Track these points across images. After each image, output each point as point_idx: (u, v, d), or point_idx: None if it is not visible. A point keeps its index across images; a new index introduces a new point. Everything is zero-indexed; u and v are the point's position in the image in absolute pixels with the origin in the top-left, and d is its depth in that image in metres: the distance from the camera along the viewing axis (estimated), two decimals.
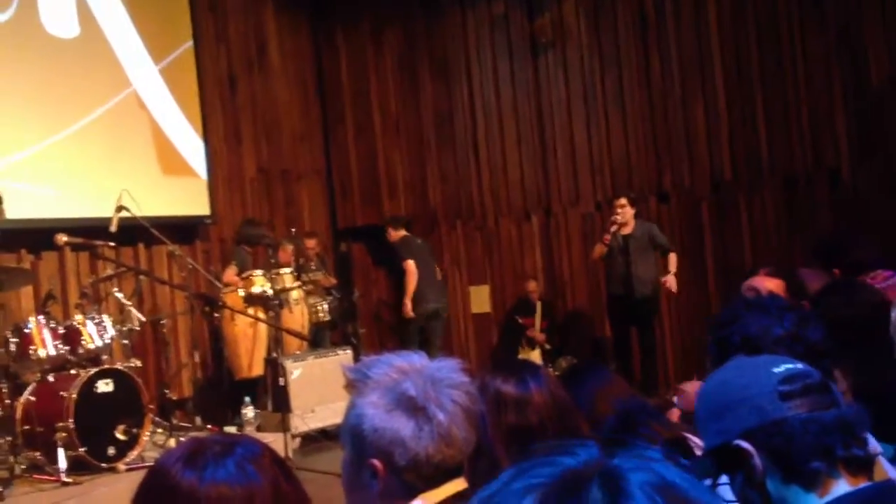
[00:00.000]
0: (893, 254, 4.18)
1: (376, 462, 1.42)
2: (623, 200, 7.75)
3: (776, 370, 1.42)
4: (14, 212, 5.97)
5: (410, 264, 8.23)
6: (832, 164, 7.97)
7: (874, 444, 1.39)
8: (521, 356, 8.66)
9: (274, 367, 6.86)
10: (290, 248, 8.03)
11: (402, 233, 8.58)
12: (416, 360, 1.50)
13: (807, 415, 1.38)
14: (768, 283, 2.94)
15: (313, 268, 8.42)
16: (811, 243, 7.87)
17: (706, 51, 8.41)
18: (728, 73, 8.33)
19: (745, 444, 1.39)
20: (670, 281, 7.61)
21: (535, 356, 8.70)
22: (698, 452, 2.15)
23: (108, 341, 5.91)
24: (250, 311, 7.15)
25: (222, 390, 7.27)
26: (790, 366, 1.44)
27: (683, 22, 8.51)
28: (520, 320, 8.98)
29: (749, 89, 8.25)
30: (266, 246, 7.54)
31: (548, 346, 8.83)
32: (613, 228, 7.66)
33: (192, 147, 8.20)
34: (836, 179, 7.97)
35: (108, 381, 5.62)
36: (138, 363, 6.15)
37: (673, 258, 7.74)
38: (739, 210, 8.34)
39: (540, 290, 9.02)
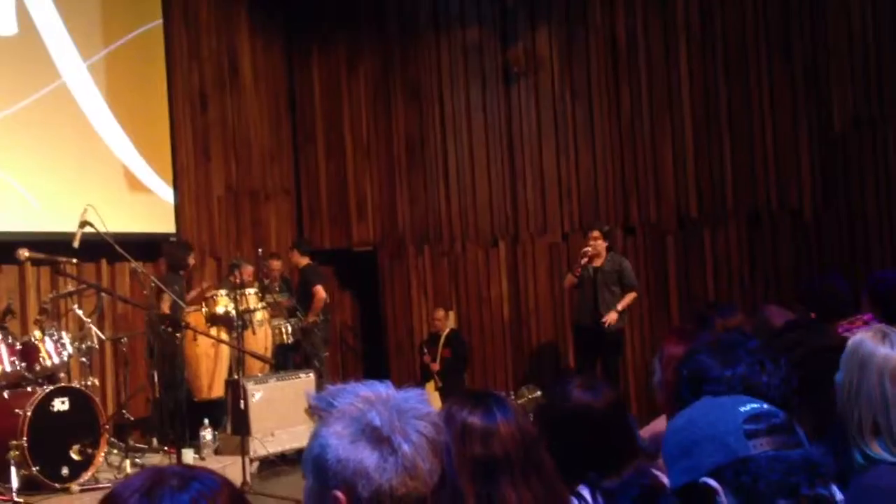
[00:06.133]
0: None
1: (339, 493, 1.40)
2: (596, 233, 7.79)
3: (742, 409, 1.43)
4: None
5: (321, 289, 8.46)
6: (795, 205, 8.10)
7: (836, 491, 1.39)
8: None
9: (235, 388, 6.77)
10: (250, 268, 7.93)
11: (308, 260, 8.72)
12: (381, 389, 1.47)
13: (773, 453, 1.38)
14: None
15: (277, 289, 8.36)
16: (773, 279, 8.06)
17: (675, 86, 8.53)
18: (696, 110, 8.45)
19: (711, 482, 1.39)
20: (611, 317, 7.59)
21: (430, 388, 8.45)
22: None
23: (66, 359, 5.82)
24: (213, 331, 7.07)
25: (181, 411, 7.16)
26: (756, 405, 1.45)
27: (654, 56, 8.62)
28: (424, 350, 8.89)
29: (717, 127, 8.37)
30: (230, 266, 7.47)
31: (440, 384, 8.60)
32: (584, 260, 7.68)
33: (151, 165, 8.08)
34: (798, 219, 8.10)
35: (65, 399, 5.53)
36: (96, 382, 6.06)
37: (629, 297, 7.76)
38: (703, 245, 8.43)
39: (451, 321, 8.92)
